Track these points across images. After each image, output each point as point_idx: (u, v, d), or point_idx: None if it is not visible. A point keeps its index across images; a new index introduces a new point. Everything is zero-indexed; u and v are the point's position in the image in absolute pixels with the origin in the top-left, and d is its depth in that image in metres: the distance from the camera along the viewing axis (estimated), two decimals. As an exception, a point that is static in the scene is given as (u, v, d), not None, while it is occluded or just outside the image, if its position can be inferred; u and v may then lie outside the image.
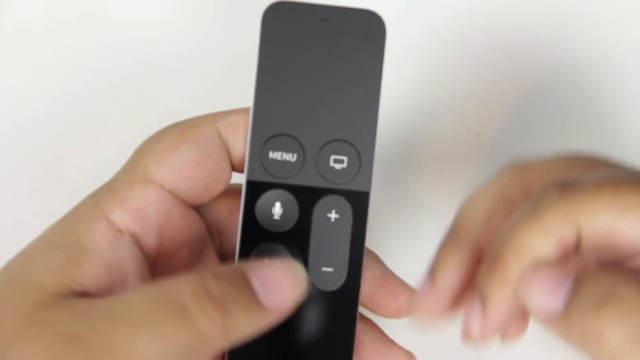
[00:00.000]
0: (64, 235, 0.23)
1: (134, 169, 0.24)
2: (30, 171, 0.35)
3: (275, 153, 0.25)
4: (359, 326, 0.26)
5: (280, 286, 0.21)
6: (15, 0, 0.37)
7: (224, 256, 0.28)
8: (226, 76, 0.35)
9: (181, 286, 0.20)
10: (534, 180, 0.24)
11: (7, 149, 0.35)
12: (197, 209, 0.26)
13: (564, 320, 0.20)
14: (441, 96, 0.37)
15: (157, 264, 0.25)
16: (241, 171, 0.26)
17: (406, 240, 0.35)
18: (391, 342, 0.27)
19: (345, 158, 0.26)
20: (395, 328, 0.28)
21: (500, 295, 0.22)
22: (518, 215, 0.21)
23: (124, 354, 0.19)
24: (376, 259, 0.27)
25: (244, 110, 0.26)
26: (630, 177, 0.21)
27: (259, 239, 0.26)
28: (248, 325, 0.21)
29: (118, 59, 0.36)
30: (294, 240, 0.26)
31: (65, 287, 0.21)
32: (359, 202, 0.26)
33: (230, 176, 0.26)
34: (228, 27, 0.37)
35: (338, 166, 0.26)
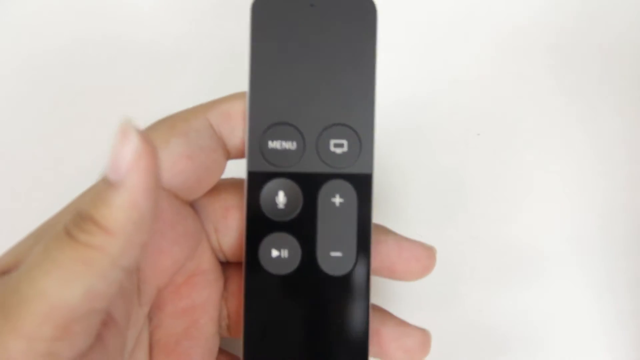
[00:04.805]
0: (45, 225, 0.23)
1: None
2: (30, 171, 0.35)
3: (275, 142, 0.25)
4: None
5: (118, 153, 0.20)
6: None
7: (222, 253, 0.27)
8: (226, 75, 0.35)
9: (59, 224, 0.20)
10: None
11: (7, 148, 0.35)
12: (193, 205, 0.26)
13: None
14: (441, 96, 0.36)
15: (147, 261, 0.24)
16: (240, 157, 0.26)
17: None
18: (405, 324, 0.27)
19: (345, 142, 0.25)
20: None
21: None
22: None
23: (32, 298, 0.19)
24: (387, 232, 0.27)
25: (235, 97, 0.25)
26: None
27: (265, 229, 0.25)
28: (116, 212, 0.20)
29: (118, 58, 0.37)
30: (301, 228, 0.26)
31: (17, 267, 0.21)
32: (362, 185, 0.26)
33: (224, 167, 0.26)
34: (228, 26, 0.37)
35: (339, 150, 0.25)
